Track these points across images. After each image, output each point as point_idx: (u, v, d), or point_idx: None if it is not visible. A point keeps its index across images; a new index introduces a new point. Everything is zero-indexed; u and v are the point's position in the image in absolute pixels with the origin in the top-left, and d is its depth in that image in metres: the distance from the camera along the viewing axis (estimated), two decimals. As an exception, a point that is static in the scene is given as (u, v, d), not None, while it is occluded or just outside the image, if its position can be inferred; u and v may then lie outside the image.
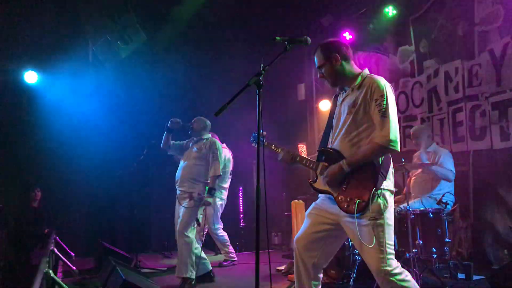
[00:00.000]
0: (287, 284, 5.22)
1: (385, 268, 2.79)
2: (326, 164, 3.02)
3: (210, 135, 5.63)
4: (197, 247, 5.25)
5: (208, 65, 8.09)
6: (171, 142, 5.57)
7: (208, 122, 5.65)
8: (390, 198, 2.89)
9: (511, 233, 5.22)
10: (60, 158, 7.50)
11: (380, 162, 2.87)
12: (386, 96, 2.85)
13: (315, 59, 3.13)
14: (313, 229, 3.07)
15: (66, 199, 7.66)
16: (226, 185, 6.95)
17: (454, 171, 5.25)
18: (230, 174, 7.04)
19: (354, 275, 4.60)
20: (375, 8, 7.28)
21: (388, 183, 2.89)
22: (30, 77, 7.52)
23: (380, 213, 2.81)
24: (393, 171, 2.97)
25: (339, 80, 3.10)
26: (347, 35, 7.70)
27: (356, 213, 2.81)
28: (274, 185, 8.69)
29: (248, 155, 8.68)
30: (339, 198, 2.93)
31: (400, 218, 5.01)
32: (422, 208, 4.94)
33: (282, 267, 5.95)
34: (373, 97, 2.87)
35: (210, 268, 5.49)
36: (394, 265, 2.83)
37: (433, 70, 6.46)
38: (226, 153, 6.88)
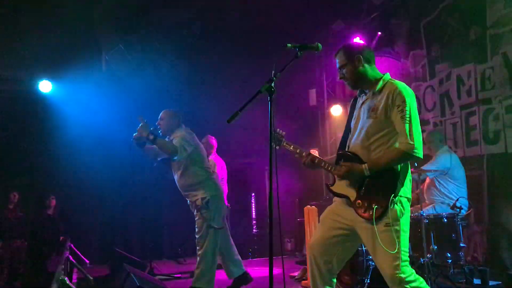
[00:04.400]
0: (301, 290, 5.20)
1: (400, 275, 2.77)
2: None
3: (180, 129, 4.90)
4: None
5: (220, 73, 8.13)
6: (152, 147, 4.89)
7: (176, 113, 4.96)
8: (407, 205, 2.87)
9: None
10: (74, 166, 7.58)
11: (399, 169, 2.84)
12: (409, 102, 2.82)
13: (337, 59, 3.11)
14: (328, 234, 3.06)
15: (80, 206, 7.73)
16: (225, 190, 6.70)
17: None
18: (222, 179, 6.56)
19: (368, 281, 4.57)
20: (386, 13, 7.27)
21: (406, 190, 2.87)
22: (45, 86, 7.62)
23: (397, 219, 2.79)
24: (410, 178, 2.94)
25: (359, 82, 3.08)
26: (358, 40, 7.69)
27: (374, 219, 2.79)
28: (287, 190, 8.70)
29: (261, 161, 8.71)
30: (357, 203, 2.90)
31: (414, 223, 4.96)
32: (436, 213, 4.90)
33: (295, 274, 5.93)
34: (395, 103, 2.83)
35: (243, 270, 5.27)
36: (409, 272, 2.81)
37: (445, 74, 6.43)
38: (216, 161, 6.62)
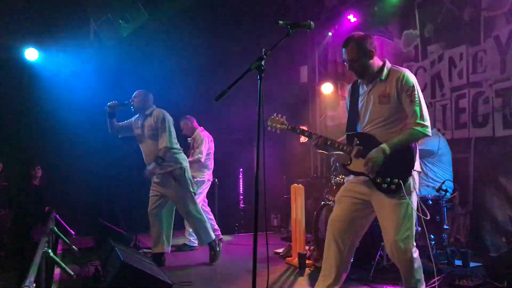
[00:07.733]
0: (285, 267, 5.25)
1: (410, 246, 3.11)
2: (361, 148, 3.24)
3: (154, 107, 5.42)
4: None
5: (209, 47, 8.00)
6: (118, 124, 5.52)
7: (149, 94, 5.47)
8: (417, 178, 3.24)
9: (509, 221, 5.23)
10: (61, 136, 7.49)
11: (413, 146, 3.19)
12: (416, 86, 3.16)
13: (346, 51, 3.25)
14: (347, 211, 3.30)
15: (66, 177, 7.67)
16: (211, 165, 6.84)
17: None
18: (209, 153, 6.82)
19: (352, 260, 4.60)
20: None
21: (418, 164, 3.23)
22: (31, 54, 7.46)
23: (410, 192, 3.13)
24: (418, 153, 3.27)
25: (367, 73, 3.29)
26: (352, 18, 7.59)
27: (394, 193, 3.08)
28: (275, 168, 8.70)
29: (249, 137, 8.67)
30: (377, 179, 3.15)
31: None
32: (421, 195, 4.93)
33: (280, 250, 5.97)
34: (403, 88, 3.15)
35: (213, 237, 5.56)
36: (414, 245, 3.16)
37: (437, 55, 6.39)
38: (204, 135, 6.75)
